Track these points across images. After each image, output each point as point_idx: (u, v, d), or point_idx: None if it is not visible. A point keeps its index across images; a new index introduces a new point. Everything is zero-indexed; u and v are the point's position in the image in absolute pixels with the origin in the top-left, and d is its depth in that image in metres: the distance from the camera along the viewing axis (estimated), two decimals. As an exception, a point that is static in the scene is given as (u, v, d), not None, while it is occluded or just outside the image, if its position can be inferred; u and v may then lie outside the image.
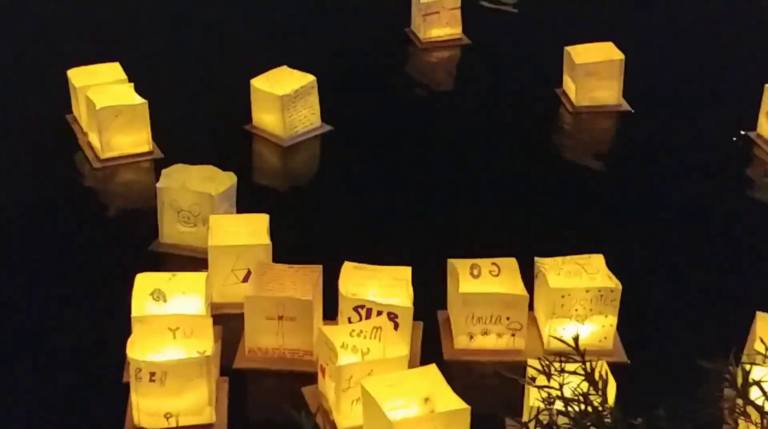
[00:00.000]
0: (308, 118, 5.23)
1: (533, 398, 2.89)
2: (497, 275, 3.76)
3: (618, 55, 5.48)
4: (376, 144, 5.27)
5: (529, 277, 3.80)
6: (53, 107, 5.30)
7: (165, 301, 3.59)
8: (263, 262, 3.87)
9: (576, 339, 2.06)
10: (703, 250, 4.43)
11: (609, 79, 5.48)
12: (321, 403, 3.39)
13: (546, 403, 2.00)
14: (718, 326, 3.83)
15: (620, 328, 3.73)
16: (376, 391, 3.04)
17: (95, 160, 4.97)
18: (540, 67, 5.92)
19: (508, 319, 3.71)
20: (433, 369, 3.16)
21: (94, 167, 4.94)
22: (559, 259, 3.77)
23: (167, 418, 3.33)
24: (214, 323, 3.47)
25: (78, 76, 5.14)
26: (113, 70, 5.18)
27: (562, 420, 1.91)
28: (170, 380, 3.25)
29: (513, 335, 3.73)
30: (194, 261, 4.16)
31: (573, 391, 1.93)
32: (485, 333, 3.73)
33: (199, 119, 5.39)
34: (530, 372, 2.74)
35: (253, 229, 4.04)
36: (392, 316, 3.55)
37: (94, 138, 4.99)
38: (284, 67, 5.27)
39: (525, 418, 3.00)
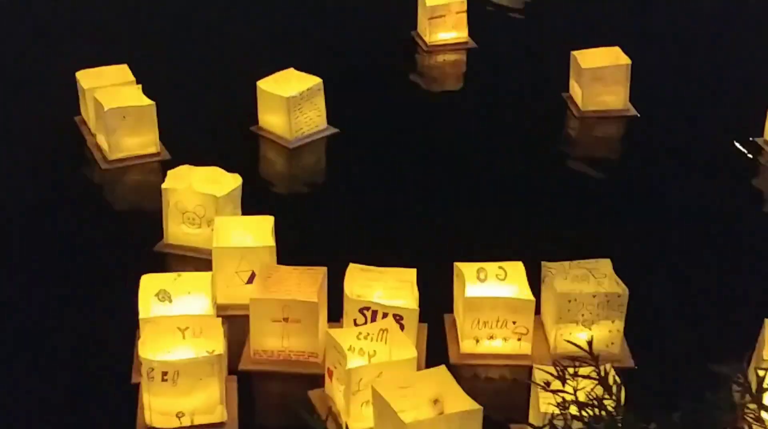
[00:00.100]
0: (314, 120, 5.22)
1: (545, 403, 2.88)
2: (504, 279, 3.75)
3: (624, 59, 5.46)
4: (382, 146, 5.26)
5: (535, 280, 3.78)
6: (62, 109, 5.31)
7: (170, 301, 3.59)
8: (268, 263, 3.86)
9: (590, 343, 2.04)
10: (709, 254, 4.42)
11: (615, 84, 5.47)
12: (331, 406, 3.37)
13: (561, 407, 1.98)
14: (723, 330, 3.83)
15: (625, 331, 3.72)
16: (387, 393, 3.03)
17: (103, 161, 4.97)
18: (546, 71, 5.91)
19: (514, 323, 3.70)
20: (443, 370, 3.16)
21: (102, 168, 4.94)
22: (566, 263, 3.76)
23: (179, 418, 3.33)
24: (219, 324, 3.46)
25: (86, 78, 5.16)
26: (121, 72, 5.20)
27: (576, 425, 1.90)
28: (182, 379, 3.25)
29: (519, 340, 3.72)
30: (199, 262, 4.16)
31: (587, 396, 1.92)
32: (491, 337, 3.72)
33: (207, 121, 5.39)
34: (544, 376, 2.72)
35: (257, 231, 4.04)
36: (398, 318, 3.55)
37: (102, 139, 5.00)
38: (291, 70, 5.26)
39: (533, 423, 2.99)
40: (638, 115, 5.49)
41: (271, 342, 3.66)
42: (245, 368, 3.65)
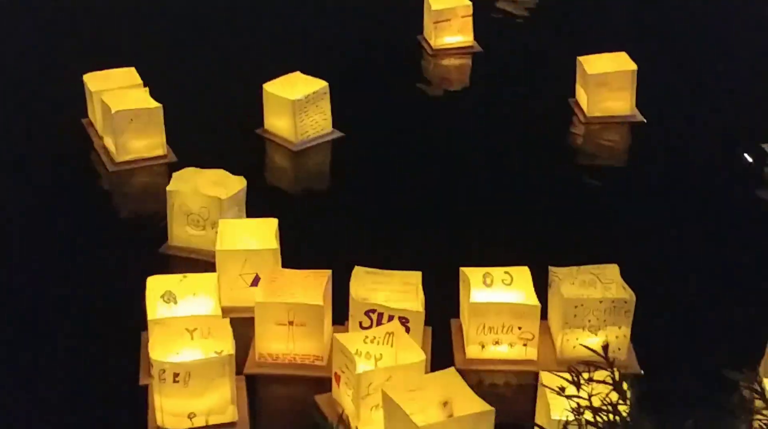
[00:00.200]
0: (320, 123, 5.21)
1: (559, 409, 2.86)
2: (510, 284, 3.73)
3: (630, 65, 5.45)
4: (387, 150, 5.26)
5: (542, 285, 3.76)
6: (69, 111, 5.31)
7: (175, 303, 3.58)
8: (273, 267, 3.85)
9: (605, 347, 2.03)
10: (717, 260, 4.40)
11: (621, 89, 5.45)
12: (342, 410, 3.36)
13: (575, 413, 1.97)
14: (731, 336, 3.81)
15: (632, 337, 3.71)
16: (398, 397, 3.03)
17: (110, 163, 4.98)
18: (552, 76, 5.90)
19: (519, 328, 3.68)
20: (452, 373, 3.16)
21: (109, 170, 4.94)
22: (573, 268, 3.74)
23: (191, 418, 3.32)
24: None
25: (94, 81, 5.17)
26: (129, 75, 5.21)
27: (589, 430, 1.88)
28: (194, 381, 3.25)
29: (525, 345, 3.70)
30: (203, 264, 4.15)
31: (602, 401, 1.90)
32: (497, 342, 3.70)
33: (213, 123, 5.39)
34: (555, 381, 2.70)
35: (261, 234, 4.04)
36: (403, 321, 3.53)
37: (109, 142, 5.00)
38: (297, 73, 5.26)
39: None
40: (644, 120, 5.48)
41: (276, 345, 3.65)
42: (250, 371, 3.64)
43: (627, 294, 3.64)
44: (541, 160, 5.20)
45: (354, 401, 3.26)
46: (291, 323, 3.61)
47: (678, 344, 3.88)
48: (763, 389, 1.97)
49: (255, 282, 3.89)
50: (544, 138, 5.43)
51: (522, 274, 3.76)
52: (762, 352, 3.45)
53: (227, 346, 3.31)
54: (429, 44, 6.27)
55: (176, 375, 3.21)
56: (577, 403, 1.98)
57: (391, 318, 3.54)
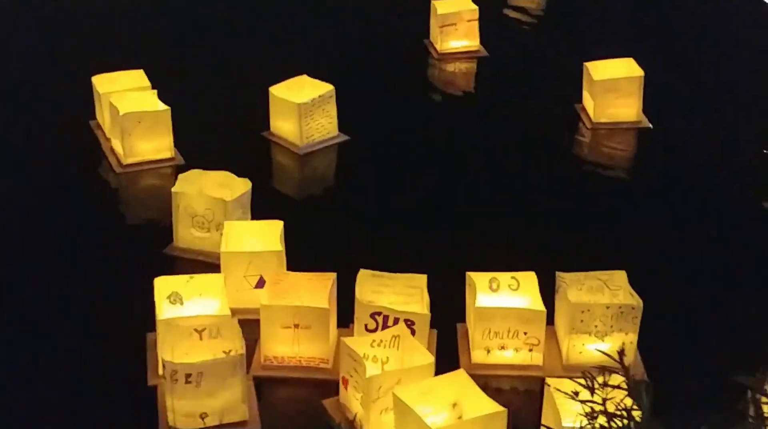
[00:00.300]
0: (325, 127, 5.21)
1: (570, 414, 2.85)
2: (516, 289, 3.72)
3: (638, 71, 5.43)
4: (393, 153, 5.25)
5: (549, 291, 3.75)
6: (77, 113, 5.31)
7: (181, 303, 3.58)
8: (277, 269, 3.84)
9: (620, 352, 2.02)
10: (725, 266, 4.39)
11: (628, 95, 5.44)
12: (354, 414, 3.35)
13: (589, 418, 1.96)
14: (737, 342, 3.80)
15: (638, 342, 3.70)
16: (410, 399, 3.02)
17: (118, 165, 4.97)
18: (559, 81, 5.89)
19: (525, 334, 3.67)
20: (462, 374, 3.16)
21: (117, 173, 4.94)
22: (581, 274, 3.74)
23: (203, 418, 3.32)
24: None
25: (102, 83, 5.17)
26: (137, 77, 5.20)
27: (603, 435, 1.87)
28: (206, 381, 3.24)
29: (530, 350, 3.69)
30: (207, 266, 4.14)
31: (616, 406, 1.90)
32: (502, 347, 3.69)
33: (220, 126, 5.38)
34: (563, 386, 2.70)
35: (266, 236, 4.03)
36: (409, 323, 3.53)
37: (117, 144, 5.00)
38: (304, 76, 5.26)
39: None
40: (651, 126, 5.47)
41: (281, 348, 3.64)
42: (255, 374, 3.63)
43: (635, 300, 3.63)
44: (547, 165, 5.19)
45: (363, 405, 3.25)
46: (296, 326, 3.61)
47: (681, 347, 3.87)
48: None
49: (259, 284, 3.89)
50: (549, 143, 5.42)
51: (529, 279, 3.75)
52: (766, 353, 3.45)
53: (237, 345, 3.31)
54: (435, 48, 6.26)
55: (188, 375, 3.21)
56: (591, 408, 1.97)
57: (396, 321, 3.54)
